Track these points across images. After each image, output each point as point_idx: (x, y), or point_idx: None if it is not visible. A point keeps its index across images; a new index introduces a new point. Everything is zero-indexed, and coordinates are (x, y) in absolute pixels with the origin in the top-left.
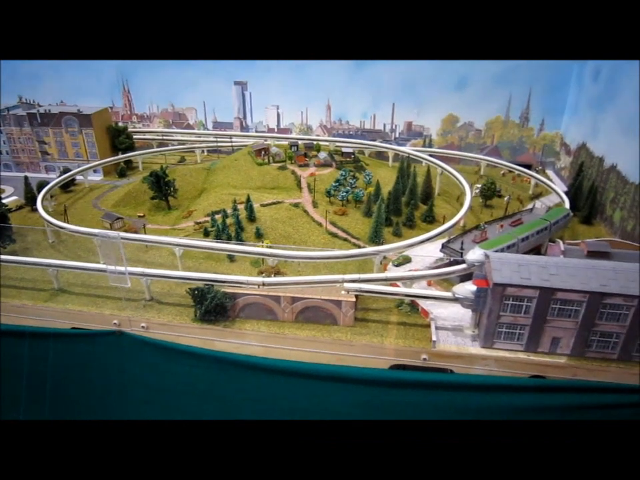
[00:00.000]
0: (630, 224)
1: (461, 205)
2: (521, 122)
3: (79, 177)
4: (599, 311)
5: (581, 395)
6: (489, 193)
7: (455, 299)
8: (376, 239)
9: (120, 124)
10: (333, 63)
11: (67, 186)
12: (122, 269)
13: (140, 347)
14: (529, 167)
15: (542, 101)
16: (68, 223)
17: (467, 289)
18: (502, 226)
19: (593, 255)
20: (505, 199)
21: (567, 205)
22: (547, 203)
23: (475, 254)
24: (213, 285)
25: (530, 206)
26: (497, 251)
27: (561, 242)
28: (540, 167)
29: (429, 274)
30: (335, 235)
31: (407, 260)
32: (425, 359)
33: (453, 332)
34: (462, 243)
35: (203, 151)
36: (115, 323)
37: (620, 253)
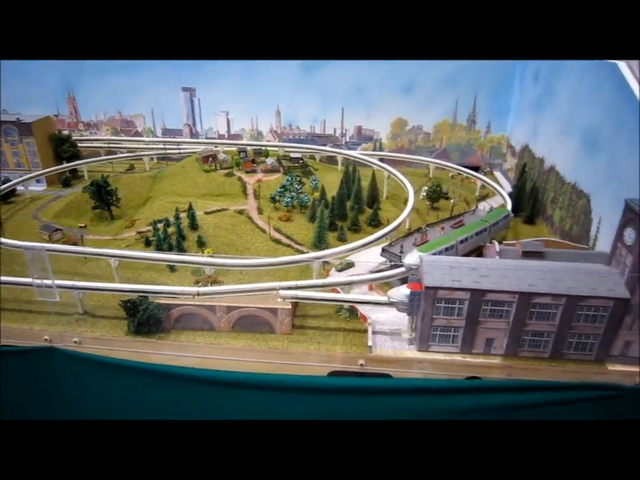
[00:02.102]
0: (568, 223)
1: (414, 209)
2: (468, 125)
3: (20, 188)
4: (528, 311)
5: (515, 394)
6: (434, 196)
7: (391, 303)
8: (319, 244)
9: (65, 132)
10: (282, 67)
11: (7, 197)
12: (49, 282)
13: (75, 362)
14: (476, 168)
15: (488, 104)
16: (3, 235)
17: (402, 292)
18: (443, 228)
19: (527, 255)
20: (451, 201)
21: (509, 205)
22: (492, 204)
23: (412, 257)
24: (147, 297)
25: (474, 207)
26: (435, 254)
27: (496, 243)
28: (488, 169)
29: (365, 279)
30: (278, 242)
31: (350, 265)
32: (362, 365)
33: (391, 336)
34: (402, 247)
35: (152, 159)
36: (45, 339)
37: (553, 252)
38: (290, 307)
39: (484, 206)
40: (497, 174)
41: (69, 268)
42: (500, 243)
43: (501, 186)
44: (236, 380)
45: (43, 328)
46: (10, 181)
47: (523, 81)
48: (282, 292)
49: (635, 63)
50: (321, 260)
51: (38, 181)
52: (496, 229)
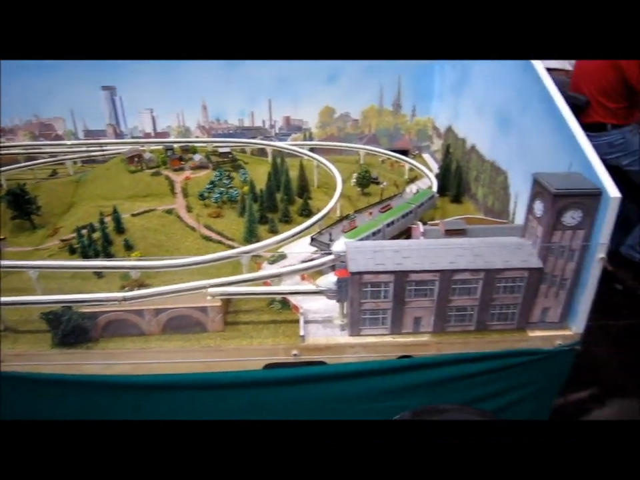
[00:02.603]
0: (490, 199)
1: (343, 195)
2: (394, 109)
3: None
4: (451, 288)
5: (446, 368)
6: (364, 182)
7: (320, 292)
8: (250, 238)
9: None
10: (205, 61)
11: None
12: None
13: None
14: (405, 152)
15: (411, 88)
16: None
17: (329, 280)
18: (371, 213)
19: (450, 233)
20: (381, 185)
21: (435, 186)
22: (421, 186)
23: (339, 245)
24: (70, 307)
25: (401, 191)
26: (362, 239)
27: (420, 224)
28: (416, 152)
29: (292, 270)
30: (209, 239)
31: (282, 257)
32: (295, 355)
33: (323, 324)
34: (330, 235)
35: (75, 162)
36: None
37: (474, 228)
38: (220, 304)
39: (412, 188)
40: (426, 156)
41: None
42: (425, 223)
43: (428, 167)
44: (169, 382)
45: None
46: None
47: (442, 65)
48: (210, 290)
49: None
50: (250, 254)
51: None
52: (422, 210)
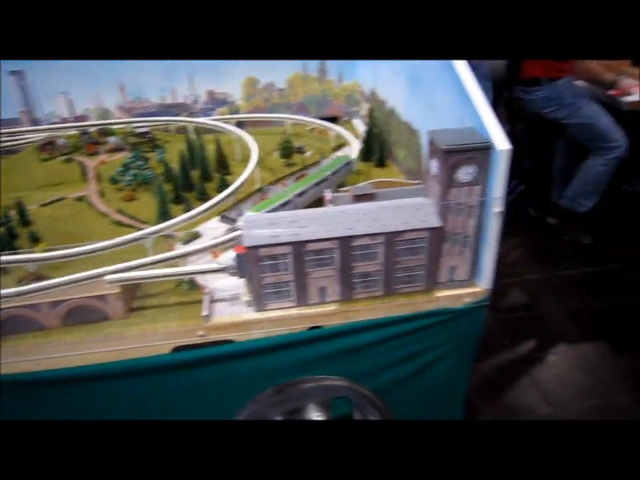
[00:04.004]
0: (409, 161)
1: (265, 168)
2: (320, 76)
3: None
4: (351, 254)
5: (356, 335)
6: (285, 152)
7: (221, 269)
8: (163, 219)
9: None
10: None
11: None
12: None
13: None
14: (335, 118)
15: None
16: None
17: (229, 256)
18: (284, 184)
19: (358, 198)
20: (306, 154)
21: (355, 151)
22: (348, 152)
23: (243, 219)
24: None
25: (319, 159)
26: (270, 211)
27: (328, 191)
28: (346, 118)
29: (195, 249)
30: (120, 224)
31: (196, 236)
32: (201, 335)
33: (231, 302)
34: (240, 210)
35: None
36: None
37: (383, 192)
38: (118, 290)
39: (338, 155)
40: (356, 121)
41: None
42: (336, 191)
43: (356, 133)
44: (69, 375)
45: None
46: None
47: None
48: (107, 277)
49: None
50: (153, 235)
51: None
52: (338, 176)
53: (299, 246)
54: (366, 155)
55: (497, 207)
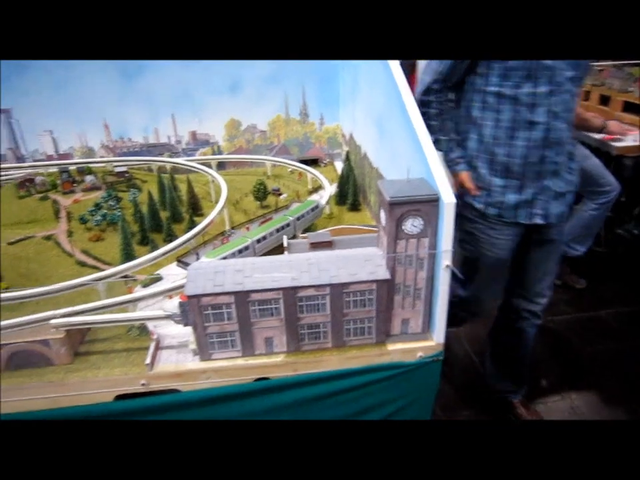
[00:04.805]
0: (378, 206)
1: (240, 210)
2: (301, 118)
3: None
4: (297, 305)
5: (304, 388)
6: (259, 194)
7: (167, 317)
8: (127, 260)
9: None
10: (101, 75)
11: None
12: None
13: None
14: (316, 161)
15: (317, 96)
16: None
17: (174, 304)
18: (248, 228)
19: (315, 246)
20: (281, 197)
21: (326, 196)
22: (324, 195)
23: (190, 267)
24: None
25: (288, 203)
26: (226, 257)
27: (284, 238)
28: (327, 160)
29: (148, 294)
30: (84, 264)
31: (156, 279)
32: (143, 384)
33: (178, 349)
34: (197, 255)
35: None
36: None
37: (341, 239)
38: (62, 335)
39: (314, 198)
40: (338, 163)
41: None
42: (294, 237)
43: (337, 176)
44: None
45: None
46: None
47: (342, 71)
48: (52, 321)
49: None
50: (113, 278)
51: None
52: (302, 222)
53: (242, 295)
54: (340, 198)
55: (446, 260)
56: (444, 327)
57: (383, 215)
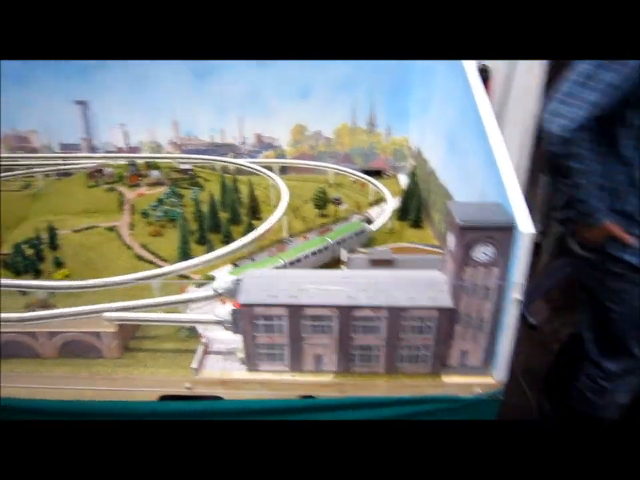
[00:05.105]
0: (443, 226)
1: (299, 216)
2: (368, 128)
3: None
4: (351, 325)
5: (350, 411)
6: (319, 202)
7: (218, 322)
8: (183, 259)
9: None
10: (175, 75)
11: None
12: None
13: None
14: (379, 172)
15: (386, 106)
16: None
17: (227, 310)
18: (306, 237)
19: (375, 263)
20: (341, 206)
21: (388, 211)
22: (385, 208)
23: (221, 280)
24: None
25: (350, 215)
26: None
27: (343, 252)
28: (391, 172)
29: (192, 297)
30: (141, 259)
31: (210, 279)
32: (188, 388)
33: (225, 356)
34: (252, 260)
35: (48, 175)
36: None
37: (404, 259)
38: (114, 329)
39: (375, 211)
40: (402, 176)
41: None
42: (353, 252)
43: (399, 189)
44: (58, 410)
45: None
46: None
47: (414, 82)
48: (105, 314)
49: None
50: (159, 277)
51: None
52: (346, 245)
53: (295, 309)
54: (402, 213)
55: (516, 293)
56: (507, 364)
57: (451, 238)
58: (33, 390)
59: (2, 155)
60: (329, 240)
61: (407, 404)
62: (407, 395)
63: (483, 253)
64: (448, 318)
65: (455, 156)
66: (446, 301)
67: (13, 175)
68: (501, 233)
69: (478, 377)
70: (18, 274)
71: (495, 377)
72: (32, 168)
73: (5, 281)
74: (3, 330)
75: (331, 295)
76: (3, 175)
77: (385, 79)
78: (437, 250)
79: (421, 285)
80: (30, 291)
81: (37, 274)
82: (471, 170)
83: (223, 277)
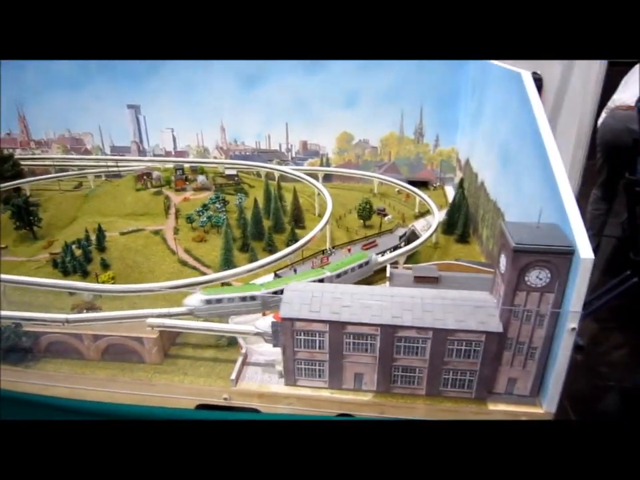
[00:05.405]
0: (491, 242)
1: (342, 227)
2: (415, 138)
3: None
4: (394, 345)
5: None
6: (364, 213)
7: (258, 334)
8: (225, 267)
9: (10, 151)
10: (223, 82)
11: None
12: None
13: None
14: (426, 183)
15: (435, 116)
16: None
17: (267, 322)
18: (349, 250)
19: (419, 280)
20: (386, 218)
21: (434, 225)
22: (430, 221)
23: (192, 300)
24: (17, 324)
25: (393, 228)
26: (232, 300)
27: (388, 266)
28: (438, 184)
29: (226, 309)
30: (185, 264)
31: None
32: (225, 398)
33: (264, 368)
34: (295, 271)
35: (98, 176)
36: None
37: (451, 276)
38: (156, 335)
39: (420, 223)
40: (449, 188)
41: None
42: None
43: (446, 201)
44: (98, 410)
45: None
46: None
47: (465, 93)
48: (149, 320)
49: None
50: (199, 285)
51: None
52: (343, 279)
53: (337, 326)
54: (448, 227)
55: (572, 323)
56: (557, 396)
57: (503, 260)
58: (75, 390)
59: (55, 157)
60: (327, 272)
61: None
62: (449, 419)
63: (537, 277)
64: (497, 343)
65: (508, 170)
66: (495, 325)
67: (66, 176)
68: (558, 257)
69: (525, 406)
70: (66, 274)
71: (545, 408)
72: (84, 169)
73: (53, 282)
74: (50, 330)
75: (375, 313)
76: (56, 175)
77: (435, 88)
78: (484, 268)
79: (470, 307)
80: (77, 292)
81: (84, 275)
82: (525, 187)
83: (195, 297)
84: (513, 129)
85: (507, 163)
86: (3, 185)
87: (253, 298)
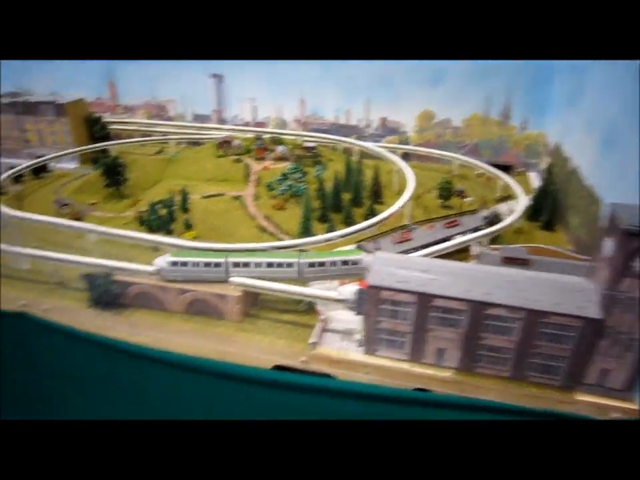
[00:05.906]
0: (582, 231)
1: (420, 205)
2: (501, 119)
3: (52, 164)
4: (482, 322)
5: (467, 413)
6: (445, 193)
7: (339, 300)
8: (304, 235)
9: (101, 114)
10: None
11: (38, 172)
12: (17, 250)
13: (42, 329)
14: (509, 167)
15: (525, 98)
16: (22, 207)
17: (350, 290)
18: (432, 226)
19: (509, 261)
20: (466, 200)
21: (519, 207)
22: (513, 206)
23: (160, 261)
24: (109, 273)
25: (476, 209)
26: (197, 264)
27: (474, 246)
28: (521, 169)
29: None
30: (263, 230)
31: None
32: (303, 361)
33: (343, 335)
34: (377, 243)
35: (179, 143)
36: (22, 304)
37: (542, 260)
38: (238, 294)
39: (502, 208)
40: (533, 174)
41: (65, 241)
42: (484, 246)
43: (528, 188)
44: (180, 362)
45: (18, 294)
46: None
47: (560, 75)
48: (231, 278)
49: None
50: (290, 250)
51: (73, 159)
52: (318, 271)
53: (425, 298)
54: (534, 213)
55: None
56: None
57: (610, 244)
58: (159, 340)
59: (140, 121)
60: (296, 259)
61: (529, 416)
62: (531, 406)
63: None
64: (594, 330)
65: (611, 155)
66: (594, 311)
67: (150, 141)
68: None
69: (617, 400)
70: (151, 231)
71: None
72: (166, 135)
73: (140, 235)
74: (138, 281)
75: (465, 288)
76: (140, 140)
77: (526, 70)
78: (578, 255)
79: (567, 290)
80: (161, 247)
81: (168, 233)
82: (630, 171)
83: (163, 258)
84: (621, 109)
85: (610, 145)
86: (92, 146)
87: (217, 264)
